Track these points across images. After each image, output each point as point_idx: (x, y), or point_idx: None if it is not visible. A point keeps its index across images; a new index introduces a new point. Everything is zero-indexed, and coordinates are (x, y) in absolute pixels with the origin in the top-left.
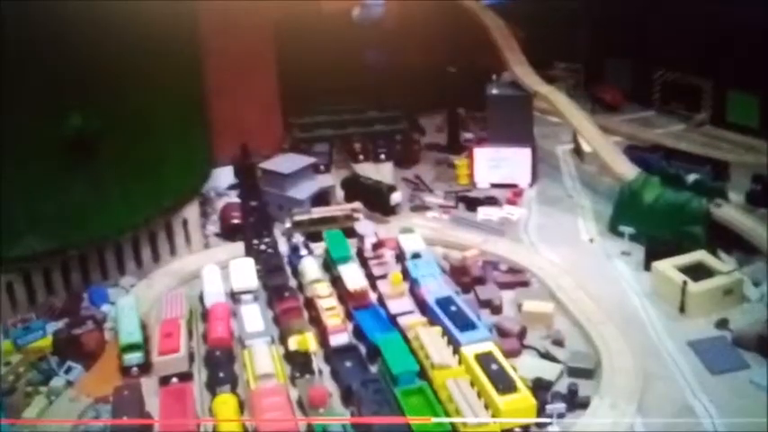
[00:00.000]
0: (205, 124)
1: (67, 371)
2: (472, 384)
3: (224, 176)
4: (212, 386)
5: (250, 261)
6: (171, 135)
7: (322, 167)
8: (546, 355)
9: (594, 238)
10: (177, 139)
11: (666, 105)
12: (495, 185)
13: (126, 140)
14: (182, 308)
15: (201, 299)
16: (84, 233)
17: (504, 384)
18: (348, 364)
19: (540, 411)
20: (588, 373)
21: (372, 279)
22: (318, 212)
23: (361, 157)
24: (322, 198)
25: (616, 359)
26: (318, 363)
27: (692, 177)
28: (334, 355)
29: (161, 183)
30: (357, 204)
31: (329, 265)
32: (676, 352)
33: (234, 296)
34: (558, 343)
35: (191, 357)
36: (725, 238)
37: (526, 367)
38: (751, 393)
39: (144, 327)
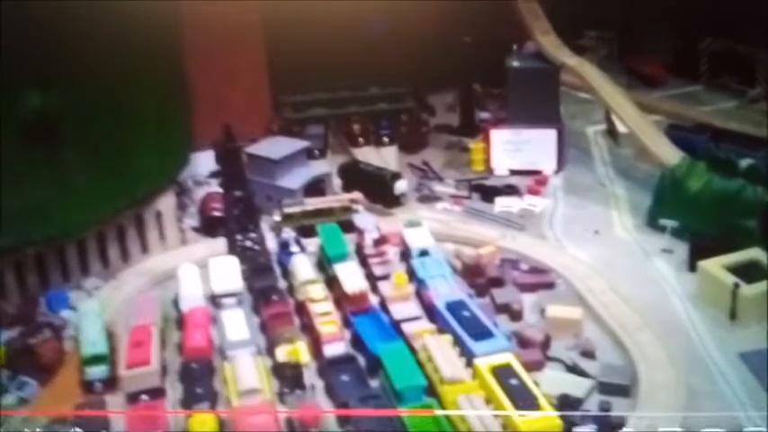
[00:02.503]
0: (183, 104)
1: (21, 387)
2: (488, 402)
3: (204, 162)
4: (188, 404)
5: (233, 260)
6: (144, 116)
7: (316, 152)
8: (574, 369)
9: (598, 230)
10: (151, 120)
11: (715, 79)
12: (514, 172)
13: (92, 123)
14: (154, 313)
15: (177, 303)
16: (43, 228)
17: (525, 402)
18: (345, 377)
19: None
20: (623, 390)
21: (373, 280)
22: (312, 204)
23: (360, 140)
24: (316, 187)
25: (655, 373)
26: (311, 376)
27: (744, 162)
28: (329, 368)
29: (132, 170)
30: (356, 194)
31: (324, 263)
32: (726, 365)
33: (214, 300)
34: (588, 354)
35: (163, 371)
36: None
37: (551, 382)
38: None
39: (110, 335)
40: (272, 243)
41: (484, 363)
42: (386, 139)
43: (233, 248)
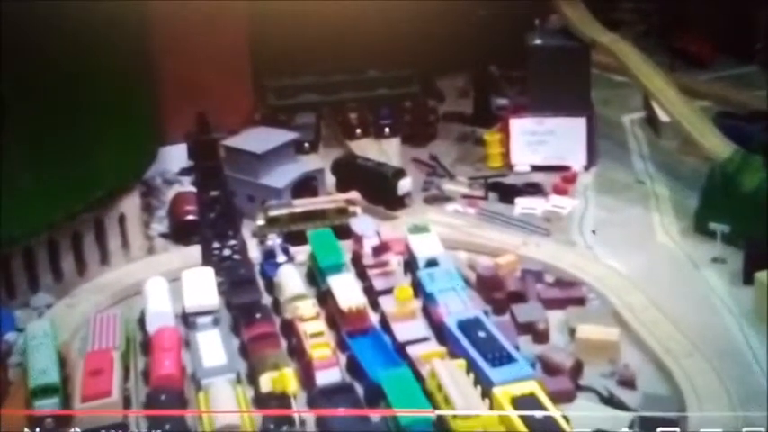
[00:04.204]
0: (150, 89)
1: None
2: None
3: (175, 157)
4: None
5: (209, 271)
6: (104, 104)
7: (306, 146)
8: (610, 400)
9: (596, 230)
10: (112, 108)
11: None
12: (538, 168)
13: (42, 112)
14: (115, 336)
15: (142, 323)
16: None
17: None
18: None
19: None
20: (668, 424)
21: (373, 294)
22: (301, 205)
23: (358, 131)
24: (306, 186)
25: (706, 404)
26: (301, 409)
27: None
28: (321, 399)
29: (89, 167)
30: (353, 195)
31: (315, 275)
32: None
33: (187, 319)
34: (627, 383)
35: (126, 403)
36: None
37: (583, 416)
38: None
39: (63, 362)
40: (254, 252)
41: (503, 392)
42: (387, 130)
43: (208, 258)
